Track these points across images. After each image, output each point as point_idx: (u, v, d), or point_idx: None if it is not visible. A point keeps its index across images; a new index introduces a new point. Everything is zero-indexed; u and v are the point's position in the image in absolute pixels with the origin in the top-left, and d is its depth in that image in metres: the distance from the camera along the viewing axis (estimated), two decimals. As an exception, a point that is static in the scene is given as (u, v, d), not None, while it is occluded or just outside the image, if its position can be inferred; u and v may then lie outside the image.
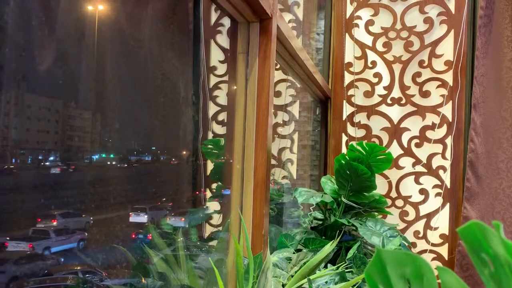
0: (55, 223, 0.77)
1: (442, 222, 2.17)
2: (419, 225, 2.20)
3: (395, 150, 2.21)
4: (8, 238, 0.68)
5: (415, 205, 2.21)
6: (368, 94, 2.30)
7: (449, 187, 2.17)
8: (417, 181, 2.22)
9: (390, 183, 2.23)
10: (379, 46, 2.29)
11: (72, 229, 0.83)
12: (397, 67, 2.26)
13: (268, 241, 1.17)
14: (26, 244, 0.72)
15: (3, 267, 0.68)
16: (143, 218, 1.05)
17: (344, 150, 2.30)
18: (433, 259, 2.17)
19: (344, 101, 2.32)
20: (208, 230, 1.58)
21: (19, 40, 0.67)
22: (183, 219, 1.24)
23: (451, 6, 2.20)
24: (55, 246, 0.80)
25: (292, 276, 1.16)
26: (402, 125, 2.24)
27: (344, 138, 2.32)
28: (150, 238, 1.09)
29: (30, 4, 0.69)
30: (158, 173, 1.14)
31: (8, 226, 0.67)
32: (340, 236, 1.44)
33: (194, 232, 1.30)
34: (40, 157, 0.73)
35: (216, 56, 1.89)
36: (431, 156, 2.20)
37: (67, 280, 0.84)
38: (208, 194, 1.56)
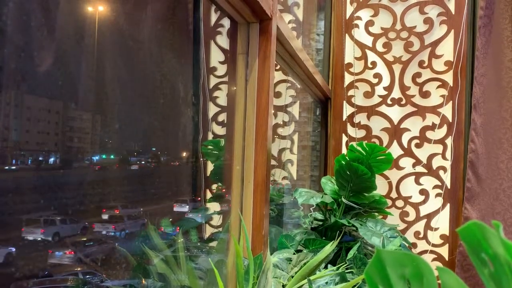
0: (117, 212, 0.96)
1: (442, 222, 2.17)
2: (420, 226, 2.20)
3: (395, 150, 2.21)
4: (86, 223, 0.88)
5: (416, 206, 2.21)
6: (368, 95, 2.30)
7: (449, 187, 2.17)
8: (417, 182, 2.21)
9: (390, 183, 2.23)
10: (379, 47, 2.29)
11: (136, 217, 1.05)
12: (397, 68, 2.26)
13: (268, 242, 1.17)
14: (110, 225, 0.94)
15: (98, 242, 0.91)
16: (185, 208, 1.33)
17: (344, 150, 2.30)
18: (434, 259, 2.17)
19: (344, 102, 2.32)
20: (208, 231, 1.58)
21: (19, 41, 0.67)
22: (200, 215, 1.43)
23: (451, 6, 2.20)
24: (127, 228, 1.00)
25: (293, 277, 1.16)
26: (402, 126, 2.24)
27: (344, 139, 2.32)
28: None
29: (30, 5, 0.69)
30: (173, 173, 1.30)
31: (85, 214, 0.85)
32: (340, 236, 1.44)
33: (194, 233, 1.30)
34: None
35: (216, 57, 1.89)
36: (431, 157, 2.20)
37: (67, 281, 0.84)
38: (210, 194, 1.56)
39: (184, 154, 1.43)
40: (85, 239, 0.86)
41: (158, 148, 1.20)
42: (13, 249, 0.70)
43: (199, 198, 1.45)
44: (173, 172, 1.31)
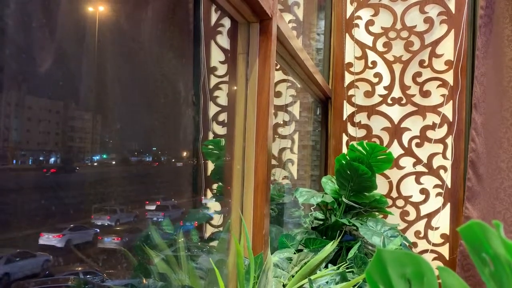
0: (159, 203, 1.16)
1: (442, 222, 2.17)
2: (420, 225, 2.20)
3: (395, 150, 2.21)
4: (137, 212, 1.07)
5: (416, 205, 2.21)
6: (368, 94, 2.30)
7: (449, 187, 2.17)
8: (417, 181, 2.21)
9: (390, 183, 2.23)
10: (379, 46, 2.29)
11: (176, 207, 1.28)
12: (397, 67, 2.26)
13: (269, 241, 1.17)
14: (160, 213, 1.16)
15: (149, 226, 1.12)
16: (212, 201, 1.56)
17: (344, 150, 2.30)
18: (434, 259, 2.17)
19: (345, 101, 2.32)
20: (208, 230, 1.58)
21: (19, 41, 0.67)
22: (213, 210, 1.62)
23: (451, 5, 2.20)
24: (172, 216, 1.21)
25: (293, 276, 1.16)
26: (403, 125, 2.24)
27: (345, 138, 2.32)
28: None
29: (31, 5, 0.69)
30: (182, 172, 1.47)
31: (134, 205, 1.06)
32: (341, 236, 1.44)
33: (195, 232, 1.31)
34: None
35: (216, 56, 1.89)
36: (431, 156, 2.20)
37: (68, 281, 0.85)
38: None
39: (185, 154, 1.44)
40: (139, 225, 1.10)
41: (159, 148, 1.21)
42: (98, 230, 0.91)
43: (203, 197, 1.59)
44: (181, 171, 1.44)
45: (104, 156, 0.92)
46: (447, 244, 2.17)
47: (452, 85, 2.18)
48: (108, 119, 0.92)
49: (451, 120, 2.18)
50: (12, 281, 0.69)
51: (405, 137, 2.24)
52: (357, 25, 2.32)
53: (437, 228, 2.18)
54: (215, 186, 1.58)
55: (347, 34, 2.33)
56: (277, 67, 1.88)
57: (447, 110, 2.19)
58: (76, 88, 0.83)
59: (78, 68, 0.83)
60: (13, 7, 0.65)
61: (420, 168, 2.21)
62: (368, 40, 2.31)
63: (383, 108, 2.27)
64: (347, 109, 2.32)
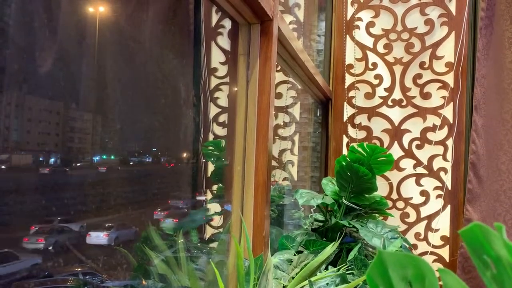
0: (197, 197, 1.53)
1: (443, 224, 2.17)
2: (420, 227, 2.20)
3: (396, 151, 2.20)
4: (180, 205, 1.39)
5: (416, 207, 2.21)
6: (369, 96, 2.30)
7: (450, 188, 2.17)
8: (418, 183, 2.21)
9: (391, 184, 2.23)
10: (380, 48, 2.29)
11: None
12: (398, 69, 2.26)
13: (269, 243, 1.17)
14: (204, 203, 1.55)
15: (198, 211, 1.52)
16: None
17: (345, 151, 2.30)
18: (434, 261, 2.17)
19: (345, 103, 2.32)
20: (209, 231, 1.58)
21: (20, 42, 0.67)
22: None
23: (452, 7, 2.20)
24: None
25: (293, 278, 1.16)
26: (403, 127, 2.24)
27: (345, 140, 2.32)
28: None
29: (32, 6, 0.69)
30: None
31: (191, 195, 1.45)
32: (341, 237, 1.44)
33: (195, 233, 1.30)
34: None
35: (217, 57, 1.89)
36: (432, 158, 2.20)
37: (67, 282, 0.85)
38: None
39: (185, 154, 1.44)
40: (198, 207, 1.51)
41: (161, 149, 1.21)
42: (185, 210, 1.35)
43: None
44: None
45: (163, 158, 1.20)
46: (447, 246, 2.16)
47: (452, 87, 2.18)
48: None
49: (451, 122, 2.17)
50: (120, 242, 0.95)
51: (406, 139, 2.24)
52: (357, 27, 2.32)
53: (437, 230, 2.17)
54: (213, 187, 1.57)
55: (347, 36, 2.33)
56: (278, 69, 1.87)
57: (448, 112, 2.18)
58: (76, 89, 0.83)
59: (79, 69, 0.83)
60: (14, 7, 0.65)
61: (420, 170, 2.21)
62: (368, 41, 2.31)
63: (384, 109, 2.27)
64: (348, 111, 2.32)
